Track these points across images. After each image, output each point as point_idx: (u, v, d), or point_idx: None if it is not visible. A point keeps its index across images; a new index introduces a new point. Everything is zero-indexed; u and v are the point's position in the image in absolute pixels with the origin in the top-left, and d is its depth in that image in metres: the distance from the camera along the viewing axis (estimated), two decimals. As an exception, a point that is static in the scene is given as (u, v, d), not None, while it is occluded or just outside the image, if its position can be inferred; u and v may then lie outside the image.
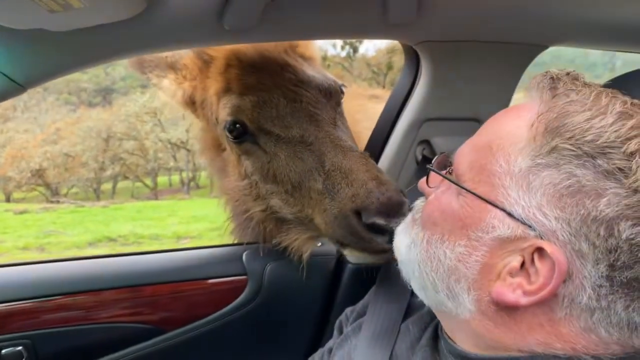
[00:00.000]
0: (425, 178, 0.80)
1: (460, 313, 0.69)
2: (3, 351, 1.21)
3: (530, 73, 1.27)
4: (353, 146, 1.15)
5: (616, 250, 0.57)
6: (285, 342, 1.44)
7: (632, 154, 0.57)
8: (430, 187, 0.78)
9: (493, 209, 0.64)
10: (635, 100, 0.64)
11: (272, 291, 1.40)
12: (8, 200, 18.51)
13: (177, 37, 1.00)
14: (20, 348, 1.23)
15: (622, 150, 0.58)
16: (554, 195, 0.60)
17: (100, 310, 1.29)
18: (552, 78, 0.68)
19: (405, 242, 0.77)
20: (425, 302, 0.77)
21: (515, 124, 0.67)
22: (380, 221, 1.01)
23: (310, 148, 1.15)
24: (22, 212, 12.01)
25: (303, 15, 1.01)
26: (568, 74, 0.68)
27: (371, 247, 1.06)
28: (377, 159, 1.37)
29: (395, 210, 1.01)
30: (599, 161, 0.58)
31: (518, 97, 1.26)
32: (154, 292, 1.32)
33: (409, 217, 0.80)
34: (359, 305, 1.12)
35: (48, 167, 17.91)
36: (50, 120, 20.68)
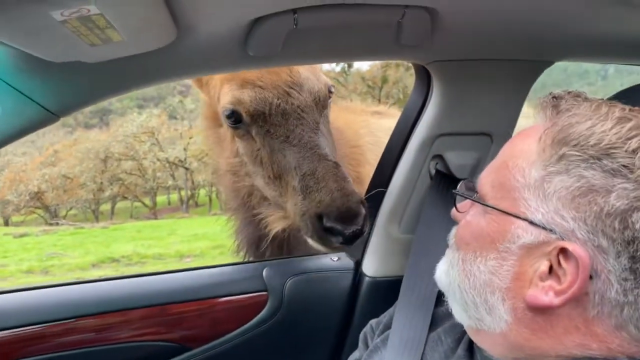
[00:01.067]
0: (455, 209, 0.85)
1: (497, 327, 0.73)
2: None
3: (537, 86, 1.32)
4: (329, 154, 1.33)
5: (634, 242, 0.62)
6: (306, 356, 1.46)
7: (634, 151, 0.64)
8: (460, 213, 0.83)
9: (517, 220, 0.70)
10: (633, 107, 0.70)
11: (292, 306, 1.43)
12: (7, 223, 18.45)
13: (204, 64, 1.04)
14: None
15: (624, 149, 0.64)
16: (568, 198, 0.66)
17: (126, 330, 1.32)
18: (554, 97, 0.75)
19: (444, 268, 0.83)
20: (466, 323, 0.81)
21: (526, 142, 0.74)
22: (337, 226, 1.23)
23: (293, 149, 1.34)
24: (22, 235, 11.96)
25: (322, 40, 1.06)
26: (569, 92, 0.76)
27: (325, 244, 1.29)
28: (391, 174, 1.41)
29: (351, 219, 1.22)
30: (605, 161, 0.64)
31: (527, 110, 1.31)
32: (178, 310, 1.35)
33: (447, 250, 0.85)
34: (385, 316, 1.14)
35: (47, 190, 17.89)
36: (48, 143, 20.71)
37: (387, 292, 1.22)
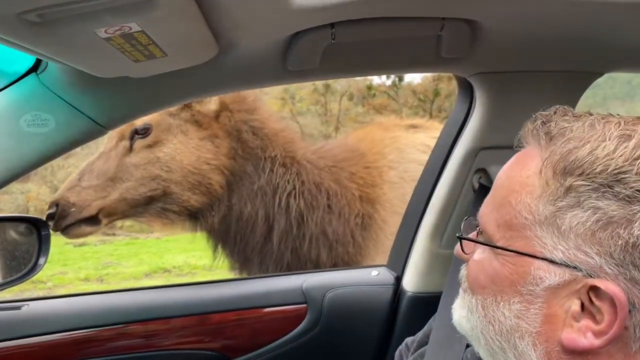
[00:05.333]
0: (459, 247, 0.79)
1: None
2: None
3: (598, 99, 1.27)
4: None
5: None
6: (345, 371, 1.45)
7: None
8: (467, 254, 0.78)
9: (535, 261, 0.64)
10: (627, 117, 0.65)
11: (332, 320, 1.43)
12: (68, 233, 19.31)
13: (244, 79, 1.07)
14: None
15: (634, 171, 0.58)
16: (587, 234, 0.60)
17: (168, 337, 1.36)
18: (542, 122, 0.68)
19: (463, 313, 0.76)
20: None
21: (525, 174, 0.67)
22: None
23: None
24: (81, 245, 12.45)
25: (360, 54, 1.06)
26: (555, 112, 0.69)
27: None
28: (433, 187, 1.39)
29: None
30: (617, 189, 0.58)
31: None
32: (220, 319, 1.38)
33: (460, 290, 0.80)
34: (420, 334, 1.12)
35: (105, 201, 18.60)
36: (108, 156, 21.58)
37: (427, 307, 1.19)
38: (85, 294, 1.42)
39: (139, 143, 2.00)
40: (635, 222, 0.58)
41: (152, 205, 2.06)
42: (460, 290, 0.79)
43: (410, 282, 1.45)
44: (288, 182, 2.14)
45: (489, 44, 1.06)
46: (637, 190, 0.58)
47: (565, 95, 1.24)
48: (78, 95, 0.99)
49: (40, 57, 0.89)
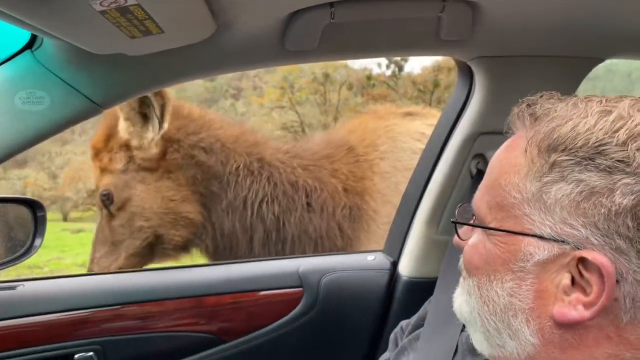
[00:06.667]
0: (456, 237, 0.81)
1: (523, 352, 0.68)
2: (76, 356, 1.29)
3: (597, 92, 1.26)
4: None
5: None
6: (340, 354, 1.46)
7: (624, 143, 0.60)
8: (464, 240, 0.79)
9: (525, 238, 0.66)
10: (609, 96, 0.67)
11: (328, 304, 1.43)
12: (65, 219, 19.32)
13: (242, 59, 1.06)
14: (91, 354, 1.30)
15: (614, 143, 0.60)
16: (572, 205, 0.61)
17: (164, 319, 1.36)
18: (528, 105, 0.71)
19: (464, 297, 0.78)
20: (487, 352, 0.75)
21: (512, 155, 0.69)
22: None
23: None
24: (78, 231, 12.48)
25: (359, 35, 1.05)
26: (541, 96, 0.72)
27: None
28: (431, 173, 1.39)
29: None
30: (598, 160, 0.60)
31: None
32: (215, 302, 1.38)
33: (460, 279, 0.81)
34: (415, 317, 1.13)
35: (103, 188, 18.58)
36: (106, 143, 21.50)
37: (423, 292, 1.20)
38: (81, 275, 1.42)
39: (113, 208, 2.13)
40: (617, 191, 0.59)
41: (155, 250, 2.21)
42: (460, 279, 0.81)
43: (407, 267, 1.45)
44: (258, 191, 2.18)
45: (490, 28, 1.05)
46: (617, 160, 0.59)
47: (565, 80, 1.23)
48: (74, 72, 0.98)
49: (35, 32, 0.88)
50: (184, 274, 1.44)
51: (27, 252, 1.50)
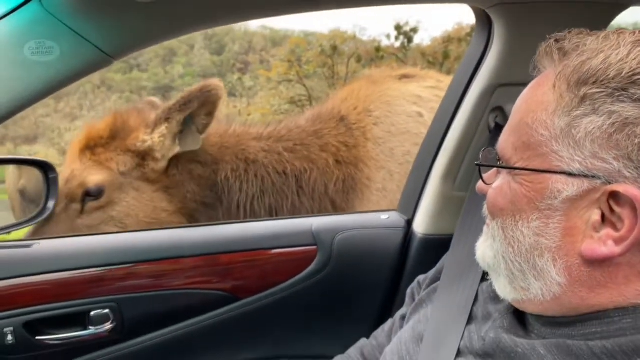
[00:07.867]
0: (481, 182, 0.78)
1: (549, 293, 0.66)
2: (92, 313, 1.30)
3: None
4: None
5: None
6: (354, 311, 1.46)
7: None
8: (488, 184, 0.76)
9: (552, 176, 0.64)
10: None
11: (342, 262, 1.42)
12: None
13: (255, 7, 1.02)
14: (107, 311, 1.31)
15: None
16: (603, 138, 0.59)
17: (178, 277, 1.36)
18: (556, 40, 0.69)
19: (488, 242, 0.75)
20: (511, 297, 0.73)
21: (540, 92, 0.67)
22: None
23: None
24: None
25: None
26: (570, 31, 0.69)
27: None
28: (447, 128, 1.36)
29: None
30: (632, 90, 0.58)
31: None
32: (229, 260, 1.37)
33: (484, 227, 0.79)
34: (432, 271, 1.11)
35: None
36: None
37: (439, 249, 1.18)
38: (95, 234, 1.42)
39: (91, 205, 1.99)
40: None
41: None
42: (484, 227, 0.79)
43: (422, 225, 1.44)
44: (248, 191, 2.13)
45: None
46: None
47: (588, 27, 1.18)
48: (83, 22, 0.95)
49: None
50: (198, 232, 1.44)
51: (41, 213, 1.51)
